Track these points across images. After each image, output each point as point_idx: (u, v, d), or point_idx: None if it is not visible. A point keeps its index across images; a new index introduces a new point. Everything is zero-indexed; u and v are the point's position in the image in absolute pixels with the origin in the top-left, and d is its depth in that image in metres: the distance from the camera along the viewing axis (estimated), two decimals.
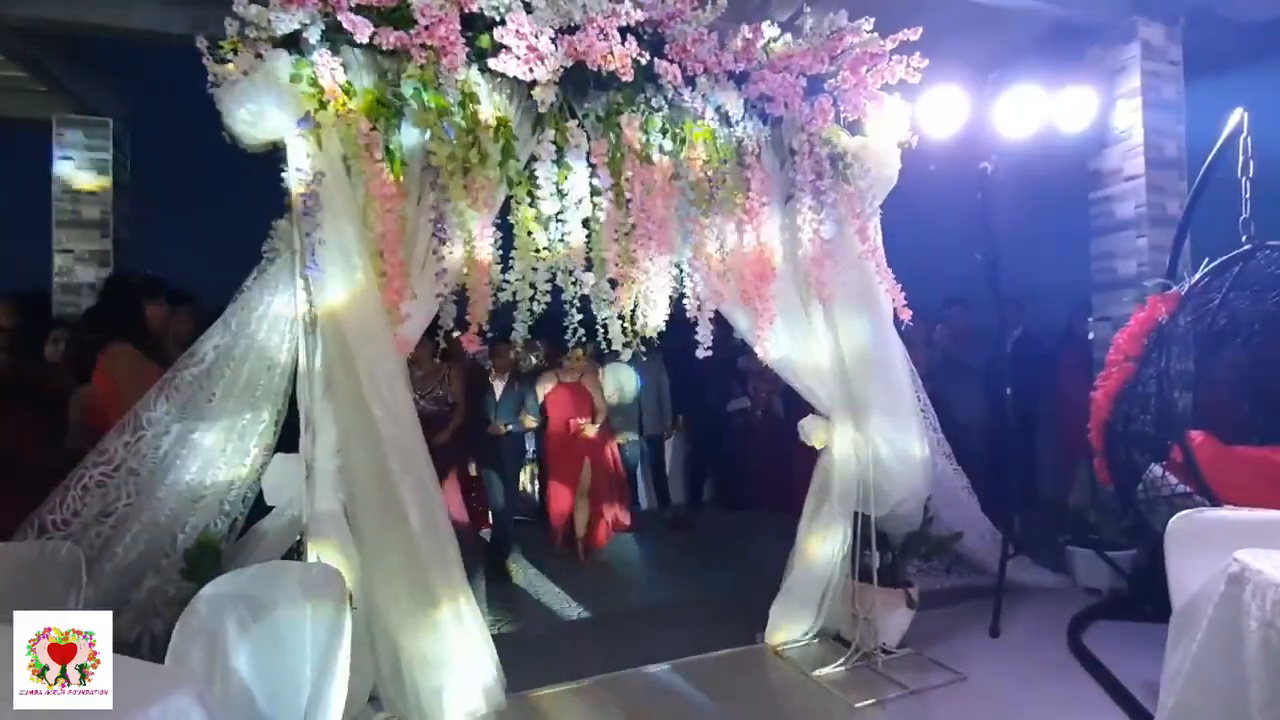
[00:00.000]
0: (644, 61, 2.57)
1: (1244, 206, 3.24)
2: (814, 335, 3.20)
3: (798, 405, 3.37)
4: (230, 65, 2.27)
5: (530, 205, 2.61)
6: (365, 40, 2.32)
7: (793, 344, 3.17)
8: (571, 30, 2.53)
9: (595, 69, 2.50)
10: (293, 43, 2.34)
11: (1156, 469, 3.17)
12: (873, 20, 3.01)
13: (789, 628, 3.43)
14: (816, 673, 3.15)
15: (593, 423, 4.97)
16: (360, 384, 2.35)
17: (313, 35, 2.29)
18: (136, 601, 2.34)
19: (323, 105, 2.31)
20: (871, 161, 3.08)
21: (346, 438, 2.39)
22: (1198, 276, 3.24)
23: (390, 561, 2.42)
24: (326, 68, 2.28)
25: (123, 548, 2.31)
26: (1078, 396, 4.42)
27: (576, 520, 5.00)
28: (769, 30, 2.90)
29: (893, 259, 3.36)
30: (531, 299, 2.79)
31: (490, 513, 4.68)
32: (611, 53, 2.44)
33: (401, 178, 2.44)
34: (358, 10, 2.33)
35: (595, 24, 2.50)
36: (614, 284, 2.88)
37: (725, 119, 2.91)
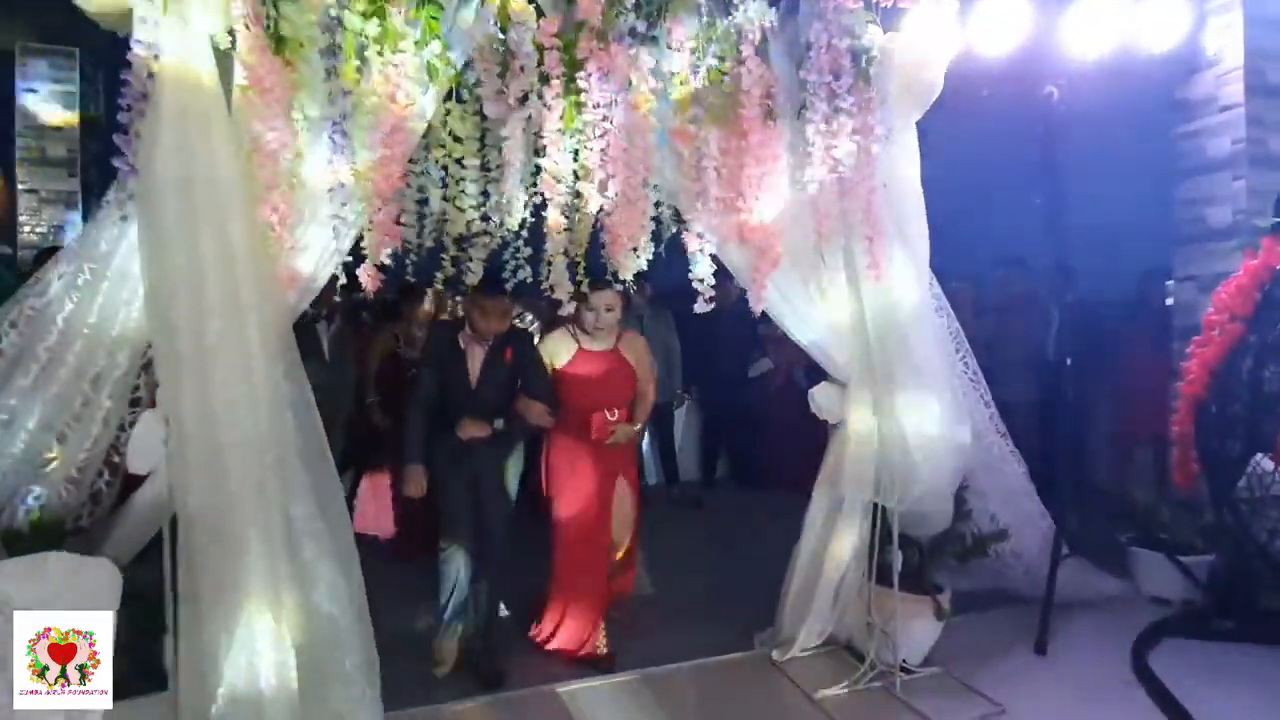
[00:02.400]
0: None
1: None
2: (830, 282, 2.60)
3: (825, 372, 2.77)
4: None
5: (463, 104, 2.06)
6: None
7: (803, 292, 2.58)
8: None
9: None
10: None
11: (1267, 462, 2.50)
12: None
13: (792, 634, 2.87)
14: (819, 694, 2.60)
15: (632, 421, 2.97)
16: (179, 329, 1.77)
17: None
18: None
19: None
20: (906, 62, 2.42)
21: (174, 401, 1.82)
22: None
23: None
24: None
25: None
26: (1150, 372, 3.74)
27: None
28: None
29: (935, 202, 2.73)
30: (469, 234, 2.26)
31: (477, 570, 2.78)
32: None
33: (296, 64, 1.89)
34: None
35: None
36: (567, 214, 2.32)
37: (724, 4, 2.29)
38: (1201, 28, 3.77)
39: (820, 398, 2.72)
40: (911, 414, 2.48)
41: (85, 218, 5.35)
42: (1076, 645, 2.98)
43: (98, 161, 5.51)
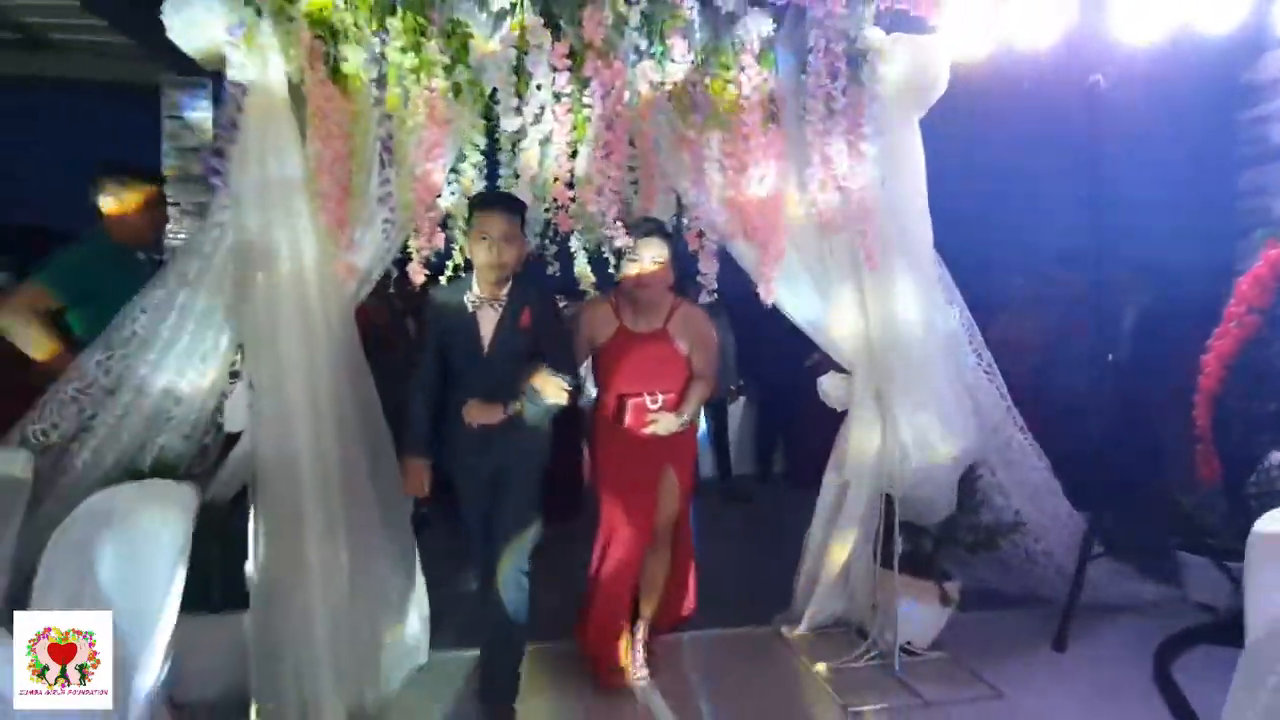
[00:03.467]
0: None
1: None
2: (836, 278, 2.73)
3: None
4: None
5: (487, 121, 2.38)
6: None
7: (809, 287, 2.72)
8: None
9: None
10: None
11: (1276, 455, 2.41)
12: None
13: (805, 613, 3.02)
14: (818, 666, 2.74)
15: (679, 412, 2.53)
16: (257, 309, 2.20)
17: None
18: None
19: (259, 12, 2.19)
20: (905, 62, 2.52)
21: (254, 371, 2.25)
22: None
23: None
24: None
25: (82, 462, 2.35)
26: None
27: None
28: None
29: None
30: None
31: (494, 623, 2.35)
32: None
33: (351, 94, 2.28)
34: None
35: None
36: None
37: (725, 17, 2.49)
38: (1270, 3, 3.53)
39: (828, 385, 2.85)
40: (908, 410, 2.58)
41: None
42: (1100, 646, 2.93)
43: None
